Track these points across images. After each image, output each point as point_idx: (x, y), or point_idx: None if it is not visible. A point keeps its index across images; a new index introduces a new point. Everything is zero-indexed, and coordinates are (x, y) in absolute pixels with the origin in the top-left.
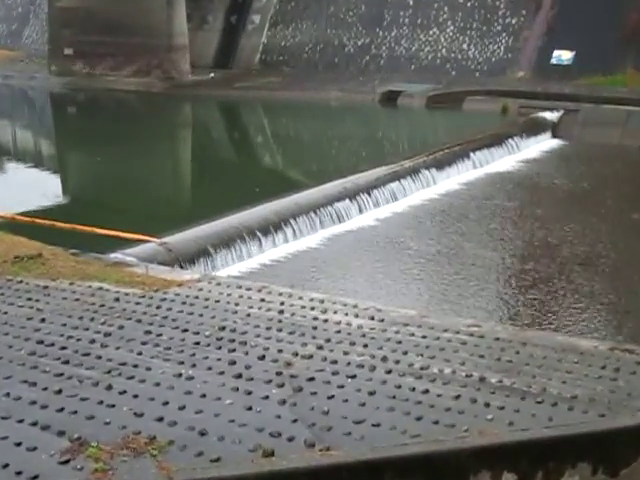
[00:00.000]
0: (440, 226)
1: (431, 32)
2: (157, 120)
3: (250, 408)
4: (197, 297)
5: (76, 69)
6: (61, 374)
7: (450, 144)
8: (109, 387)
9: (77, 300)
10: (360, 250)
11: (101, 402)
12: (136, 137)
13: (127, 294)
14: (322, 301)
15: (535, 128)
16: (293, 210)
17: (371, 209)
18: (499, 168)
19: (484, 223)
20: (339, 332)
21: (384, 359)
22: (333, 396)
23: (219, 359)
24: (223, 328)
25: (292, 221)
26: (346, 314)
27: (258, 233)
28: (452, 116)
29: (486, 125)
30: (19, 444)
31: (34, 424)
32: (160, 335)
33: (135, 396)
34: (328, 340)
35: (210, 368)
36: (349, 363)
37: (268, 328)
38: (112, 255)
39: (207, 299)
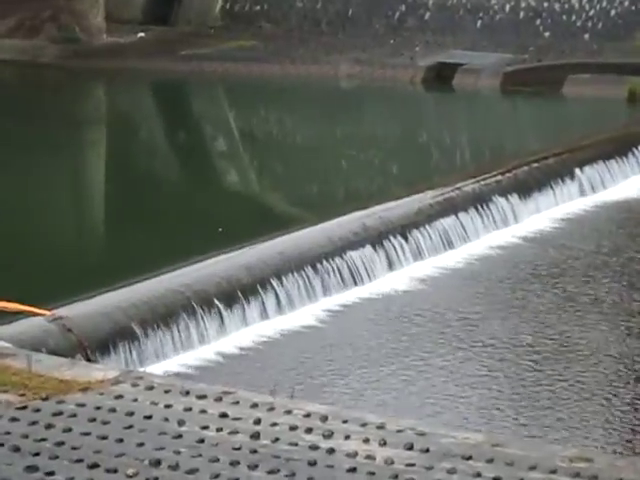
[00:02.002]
0: (525, 294)
1: None
2: (49, 112)
3: None
4: (114, 410)
5: None
6: None
7: (541, 154)
8: None
9: None
10: (388, 333)
11: None
12: (12, 141)
13: None
14: (325, 418)
15: None
16: (277, 264)
17: (409, 263)
18: (624, 195)
19: (604, 293)
20: (354, 471)
21: None
22: None
23: None
24: (158, 463)
25: (275, 282)
26: (366, 440)
27: (218, 303)
28: (544, 106)
29: (601, 122)
30: None
31: None
32: (52, 474)
33: None
34: None
35: None
36: None
37: (234, 463)
38: None
39: (131, 413)
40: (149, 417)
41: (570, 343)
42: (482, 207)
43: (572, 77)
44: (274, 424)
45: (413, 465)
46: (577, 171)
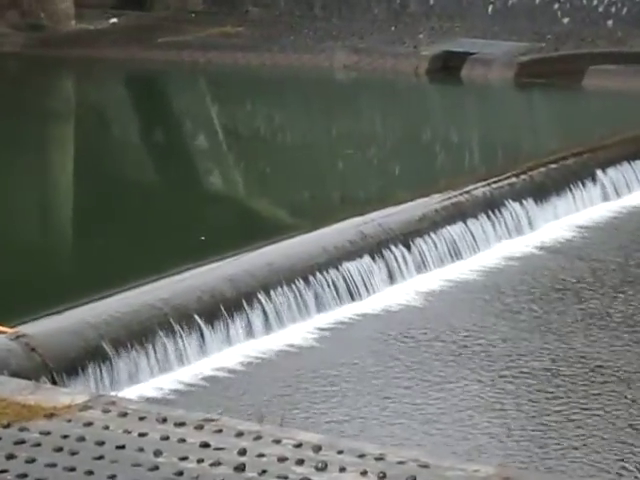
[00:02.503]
0: (544, 312)
1: None
2: (11, 105)
3: None
4: (83, 438)
5: None
6: None
7: (559, 154)
8: None
9: None
10: (389, 353)
11: None
12: None
13: None
14: (318, 448)
15: None
16: (265, 276)
17: (412, 275)
18: None
19: (635, 311)
20: None
21: None
22: None
23: None
24: None
25: (262, 297)
26: (363, 473)
27: (198, 319)
28: (563, 100)
29: (626, 118)
30: None
31: None
32: None
33: None
34: None
35: None
36: None
37: None
38: None
39: (102, 442)
40: (122, 447)
41: (598, 368)
42: (494, 213)
43: (594, 68)
44: (261, 455)
45: None
46: (599, 173)
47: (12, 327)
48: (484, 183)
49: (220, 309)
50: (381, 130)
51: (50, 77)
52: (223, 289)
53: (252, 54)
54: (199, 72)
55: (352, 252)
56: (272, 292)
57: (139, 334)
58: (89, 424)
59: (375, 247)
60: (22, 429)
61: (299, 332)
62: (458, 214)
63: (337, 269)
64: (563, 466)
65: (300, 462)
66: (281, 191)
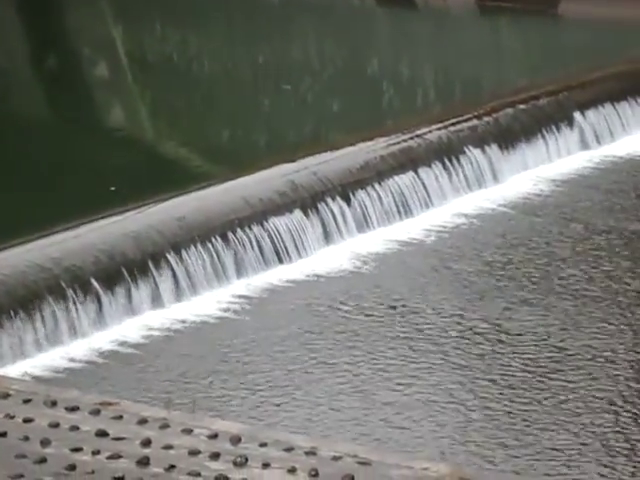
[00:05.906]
0: (507, 280)
1: None
2: None
3: None
4: None
5: None
6: None
7: (529, 92)
8: None
9: None
10: (322, 327)
11: None
12: None
13: None
14: (237, 439)
15: None
16: (175, 233)
17: (352, 234)
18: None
19: (608, 280)
20: None
21: None
22: None
23: None
24: None
25: (172, 258)
26: (291, 470)
27: (95, 284)
28: (535, 30)
29: (611, 52)
30: None
31: None
32: None
33: None
34: None
35: None
36: None
37: None
38: None
39: None
40: (3, 435)
41: (568, 341)
42: (451, 161)
43: None
44: (168, 446)
45: None
46: (577, 116)
47: None
48: (440, 125)
49: (121, 272)
50: (318, 61)
51: None
52: (125, 248)
53: None
54: None
55: (280, 205)
56: (183, 252)
57: (24, 300)
58: None
59: (308, 200)
60: None
61: (215, 300)
62: (408, 162)
63: (262, 225)
64: (519, 458)
65: (215, 456)
66: (196, 131)
